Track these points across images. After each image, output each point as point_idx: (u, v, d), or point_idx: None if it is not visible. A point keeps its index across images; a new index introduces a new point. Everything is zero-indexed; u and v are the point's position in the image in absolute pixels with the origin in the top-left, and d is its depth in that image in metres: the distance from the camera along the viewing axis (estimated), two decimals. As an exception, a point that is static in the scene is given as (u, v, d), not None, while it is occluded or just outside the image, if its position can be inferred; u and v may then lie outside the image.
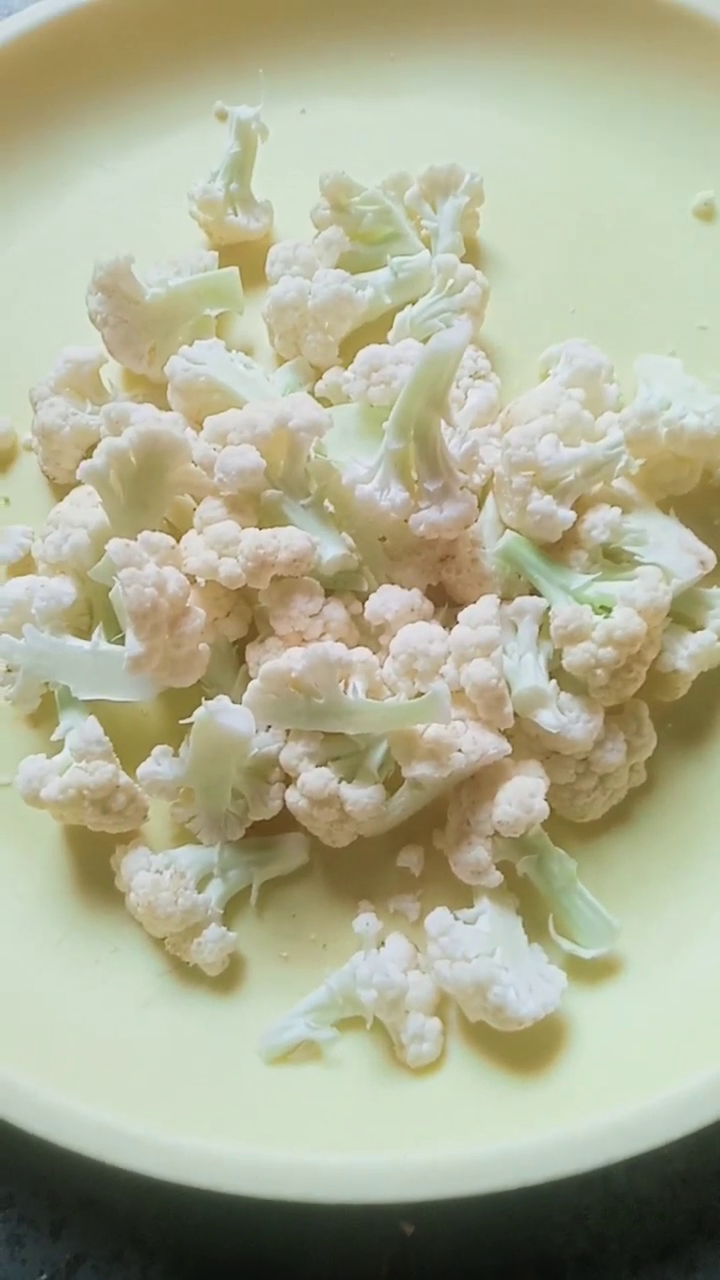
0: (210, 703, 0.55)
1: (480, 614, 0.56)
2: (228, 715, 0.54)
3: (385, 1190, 0.52)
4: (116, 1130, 0.53)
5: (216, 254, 0.69)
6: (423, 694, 0.55)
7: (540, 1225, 0.58)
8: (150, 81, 0.74)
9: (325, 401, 0.65)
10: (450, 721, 0.55)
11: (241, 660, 0.61)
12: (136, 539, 0.56)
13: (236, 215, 0.70)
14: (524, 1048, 0.55)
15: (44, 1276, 0.58)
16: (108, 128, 0.74)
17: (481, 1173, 0.51)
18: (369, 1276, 0.57)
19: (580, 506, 0.60)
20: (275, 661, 0.55)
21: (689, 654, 0.60)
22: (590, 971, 0.58)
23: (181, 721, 0.57)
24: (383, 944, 0.58)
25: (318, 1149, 0.53)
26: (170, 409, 0.64)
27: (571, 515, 0.58)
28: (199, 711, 0.54)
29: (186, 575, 0.57)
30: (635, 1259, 0.57)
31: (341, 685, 0.55)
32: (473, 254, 0.71)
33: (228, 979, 0.59)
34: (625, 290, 0.70)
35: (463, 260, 0.67)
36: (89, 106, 0.74)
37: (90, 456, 0.64)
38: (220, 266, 0.68)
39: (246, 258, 0.69)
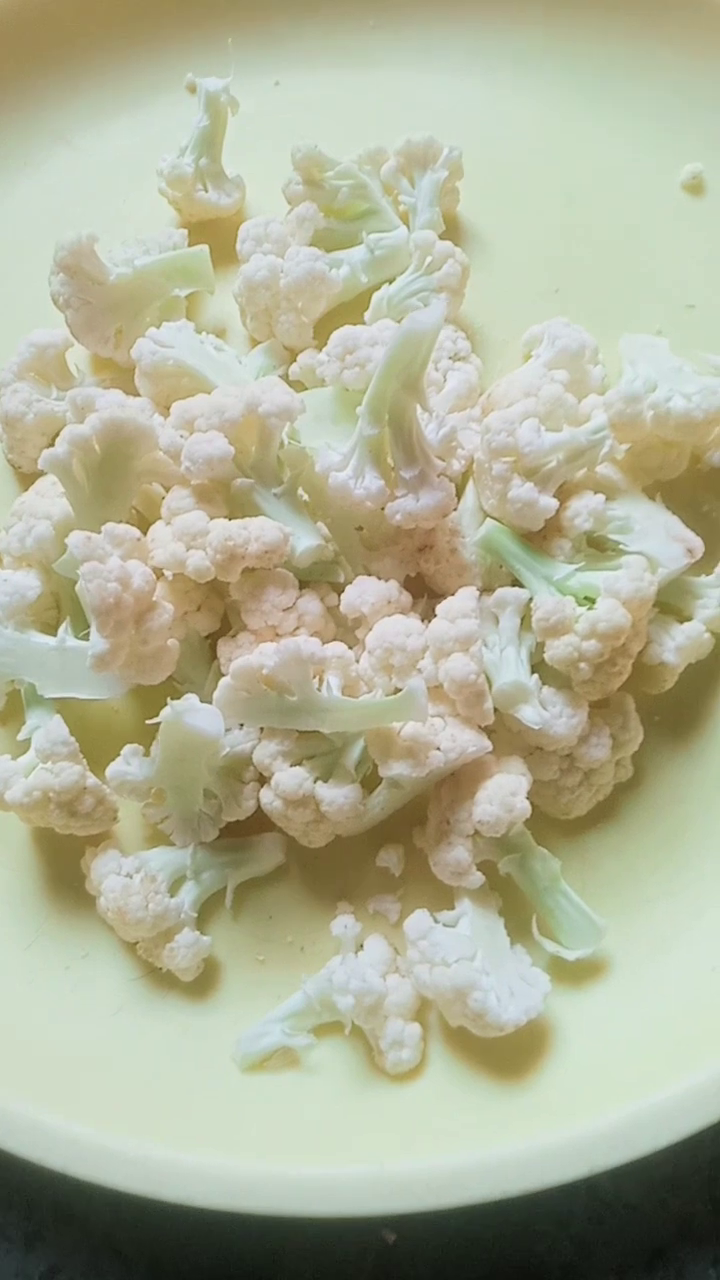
0: (177, 702, 0.53)
1: (459, 607, 0.54)
2: (195, 715, 0.52)
3: (364, 1203, 0.50)
4: (86, 1143, 0.51)
5: (186, 232, 0.67)
6: (400, 690, 0.54)
7: (524, 1232, 0.57)
8: (118, 53, 0.72)
9: (299, 385, 0.63)
10: (428, 719, 0.53)
11: (214, 655, 0.59)
12: (101, 531, 0.54)
13: (207, 191, 0.67)
14: (507, 1053, 0.54)
15: (17, 1289, 0.57)
16: (73, 102, 0.71)
17: (464, 1184, 0.50)
18: (350, 1285, 0.56)
19: (563, 493, 0.58)
20: (246, 658, 0.53)
21: (676, 646, 0.58)
22: (575, 973, 0.56)
23: (149, 722, 0.55)
24: (361, 947, 0.56)
25: (295, 1160, 0.52)
26: (138, 394, 0.62)
27: (554, 503, 0.56)
28: (165, 712, 0.53)
29: (154, 568, 0.55)
30: (621, 1265, 0.56)
31: (316, 681, 0.53)
32: (452, 230, 0.68)
33: (202, 984, 0.57)
34: (610, 268, 0.68)
35: (441, 237, 0.64)
36: (53, 80, 0.71)
37: (55, 445, 0.63)
38: (190, 245, 0.66)
39: (218, 235, 0.67)
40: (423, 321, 0.50)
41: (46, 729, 0.56)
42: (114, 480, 0.56)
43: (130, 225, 0.68)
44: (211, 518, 0.56)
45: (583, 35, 0.70)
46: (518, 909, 0.56)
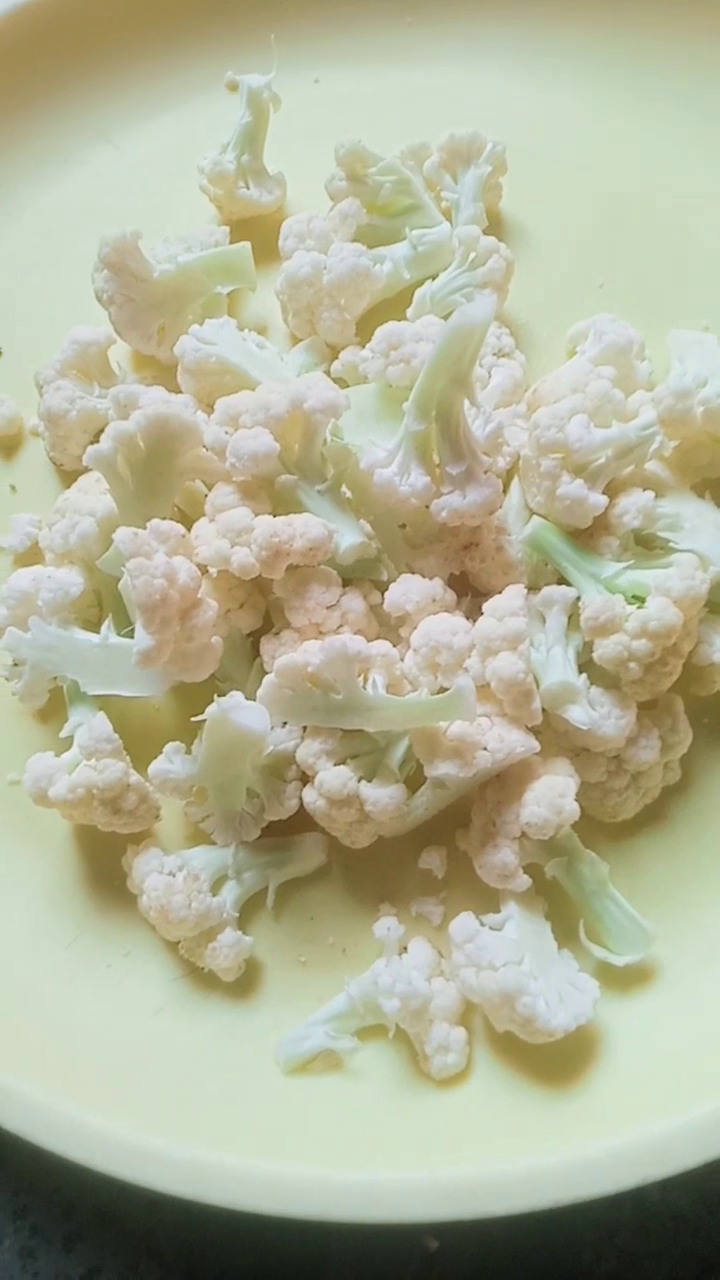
0: (223, 699, 0.52)
1: (506, 605, 0.53)
2: (241, 712, 0.52)
3: (408, 1210, 0.49)
4: (128, 1144, 0.51)
5: (228, 229, 0.67)
6: (446, 689, 0.53)
7: (569, 1242, 0.56)
8: (158, 52, 0.72)
9: (342, 382, 0.62)
10: (475, 718, 0.52)
11: (256, 653, 0.58)
12: (145, 527, 0.54)
13: (248, 188, 0.67)
14: (554, 1059, 0.53)
15: (56, 1290, 0.57)
16: (115, 101, 0.72)
17: (510, 1192, 0.49)
18: (392, 1292, 0.55)
19: (611, 490, 0.57)
20: (291, 655, 0.53)
21: (727, 646, 0.57)
22: (623, 979, 0.55)
23: (194, 719, 0.54)
24: (405, 949, 0.55)
25: (338, 1165, 0.51)
26: (180, 391, 0.61)
27: (603, 500, 0.55)
28: (211, 709, 0.52)
29: (198, 565, 0.54)
30: (669, 1278, 0.55)
31: (360, 680, 0.53)
32: (495, 226, 0.68)
33: (243, 985, 0.57)
34: (656, 263, 0.67)
35: (485, 233, 0.64)
36: (95, 79, 0.71)
37: (98, 441, 0.63)
38: (232, 242, 0.66)
39: (259, 233, 0.67)
40: (472, 315, 0.50)
41: (90, 726, 0.55)
42: (158, 477, 0.56)
43: (172, 222, 0.68)
44: (256, 514, 0.55)
45: (626, 29, 0.70)
46: (564, 913, 0.55)
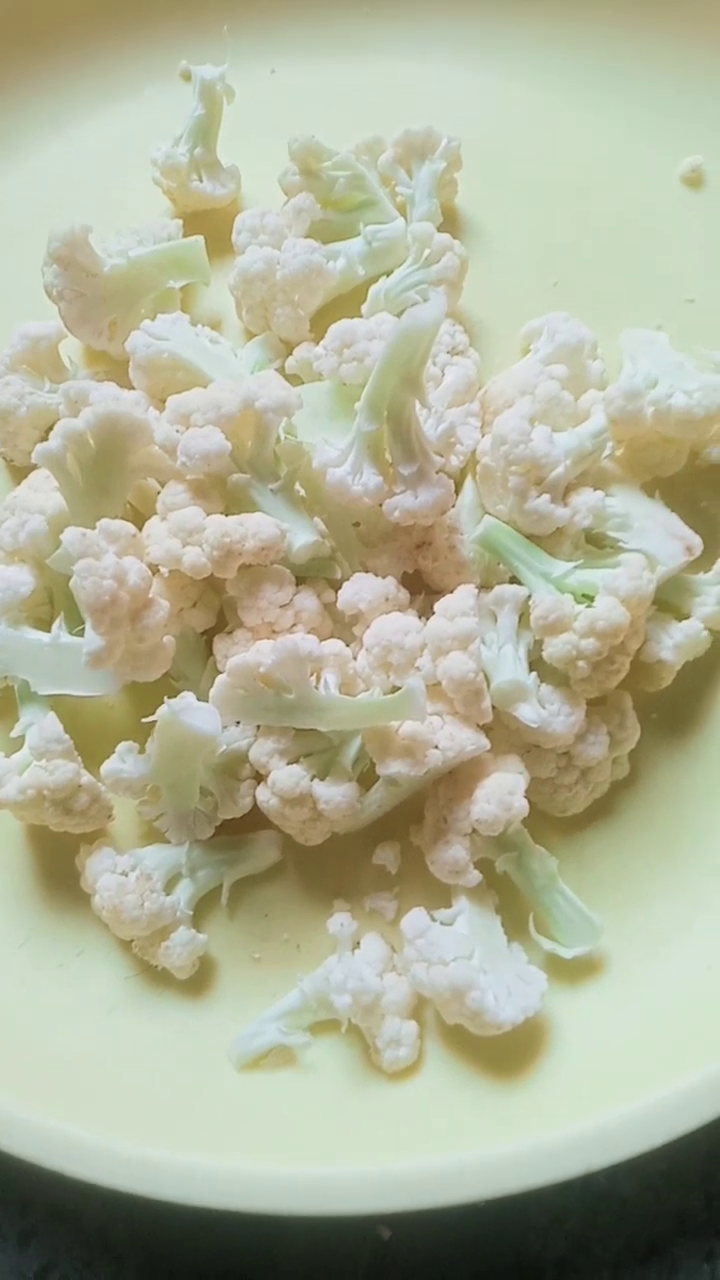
0: (173, 700, 0.52)
1: (457, 605, 0.54)
2: (192, 714, 0.52)
3: (361, 1202, 0.50)
4: (82, 1143, 0.51)
5: (180, 222, 0.66)
6: (398, 688, 0.53)
7: (520, 1228, 0.57)
8: (111, 40, 0.70)
9: (295, 379, 0.62)
10: (426, 718, 0.53)
11: (210, 652, 0.58)
12: (95, 526, 0.53)
13: (201, 181, 0.66)
14: (503, 1050, 0.54)
15: (12, 1287, 0.57)
16: (65, 89, 0.70)
17: (461, 1182, 0.50)
18: (346, 1281, 0.56)
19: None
20: (243, 655, 0.53)
21: (674, 644, 0.58)
22: (571, 971, 0.56)
23: (145, 720, 0.54)
24: (358, 945, 0.56)
25: (291, 1158, 0.52)
26: (132, 387, 0.61)
27: (568, 513, 0.55)
28: (161, 710, 0.52)
29: (149, 564, 0.54)
30: (617, 1261, 0.56)
31: (313, 679, 0.53)
32: (450, 222, 0.68)
33: (198, 982, 0.57)
34: (610, 261, 0.68)
35: (440, 229, 0.64)
36: (45, 66, 0.70)
37: (48, 438, 0.62)
38: (185, 236, 0.65)
39: (213, 226, 0.66)
40: (423, 317, 0.50)
41: (40, 726, 0.55)
42: (108, 475, 0.56)
43: (124, 214, 0.67)
44: (208, 513, 0.55)
45: (582, 26, 0.70)
46: (514, 907, 0.56)
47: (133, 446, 0.55)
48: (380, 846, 0.59)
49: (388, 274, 0.64)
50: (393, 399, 0.53)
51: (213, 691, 0.53)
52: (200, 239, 0.64)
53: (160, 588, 0.56)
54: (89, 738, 0.57)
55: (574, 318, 0.62)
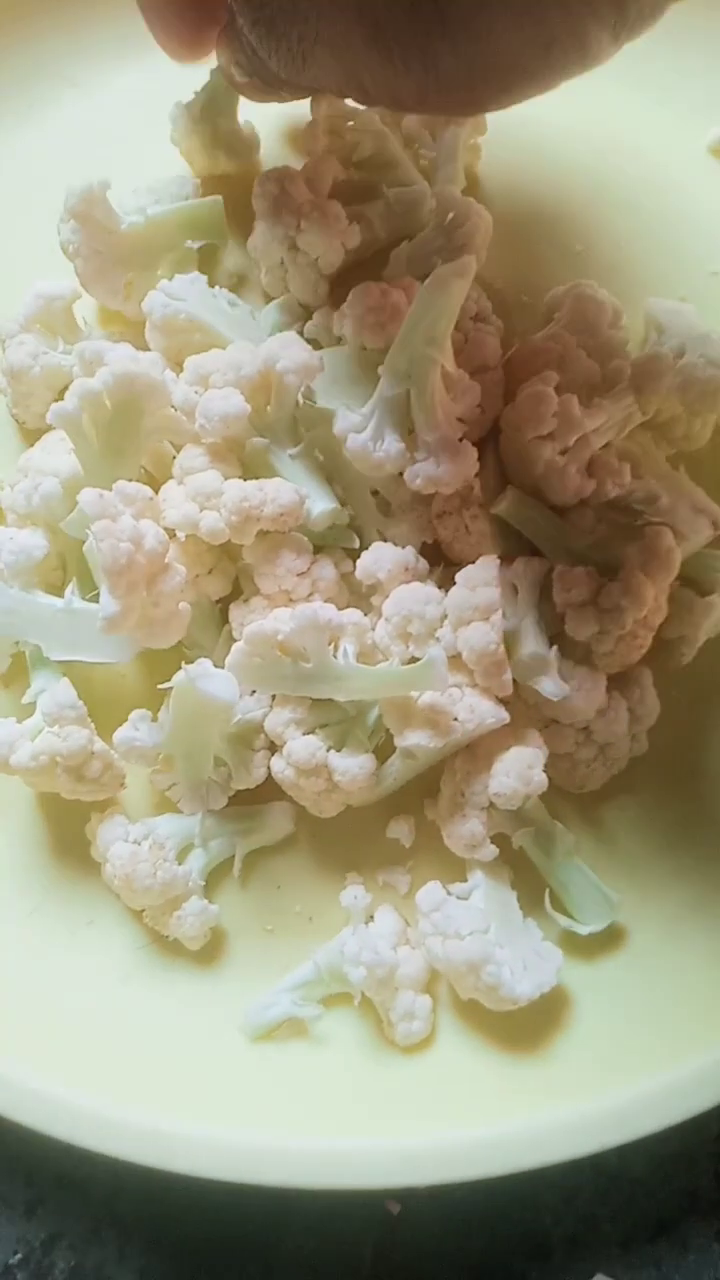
0: (190, 667, 0.51)
1: (479, 575, 0.53)
2: (209, 681, 0.51)
3: (371, 1176, 0.50)
4: (91, 1113, 0.51)
5: (198, 181, 0.65)
6: (417, 659, 0.52)
7: (529, 1205, 0.56)
8: (128, -7, 0.69)
9: (314, 342, 0.60)
10: (447, 688, 0.52)
11: (224, 620, 0.58)
12: (111, 489, 0.52)
13: (220, 142, 0.65)
14: (517, 1026, 0.53)
15: (18, 1255, 0.56)
16: (81, 45, 0.69)
17: (474, 1158, 0.49)
18: (352, 1255, 0.56)
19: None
20: (261, 623, 0.52)
21: (696, 620, 0.57)
22: (587, 948, 0.55)
23: (161, 687, 0.53)
24: (371, 918, 0.55)
25: (303, 1131, 0.51)
26: (148, 348, 0.60)
27: (591, 484, 0.54)
28: (178, 676, 0.51)
29: (165, 529, 0.53)
30: (626, 1239, 0.56)
31: (331, 648, 0.52)
32: (473, 188, 0.66)
33: (209, 953, 0.56)
34: (634, 231, 0.66)
35: (463, 194, 0.62)
36: (59, 20, 0.69)
37: (62, 398, 0.61)
38: (204, 193, 0.64)
39: (233, 185, 0.65)
40: (451, 274, 0.48)
41: (53, 692, 0.54)
42: (125, 437, 0.55)
43: (140, 171, 0.65)
44: (225, 478, 0.54)
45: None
46: (530, 882, 0.56)
47: (149, 408, 0.54)
48: (395, 820, 0.58)
49: (410, 237, 0.62)
50: (418, 362, 0.52)
51: (229, 659, 0.52)
52: (219, 199, 0.63)
53: (176, 554, 0.54)
54: (100, 705, 0.56)
55: (598, 286, 0.61)
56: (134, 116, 0.68)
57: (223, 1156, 0.50)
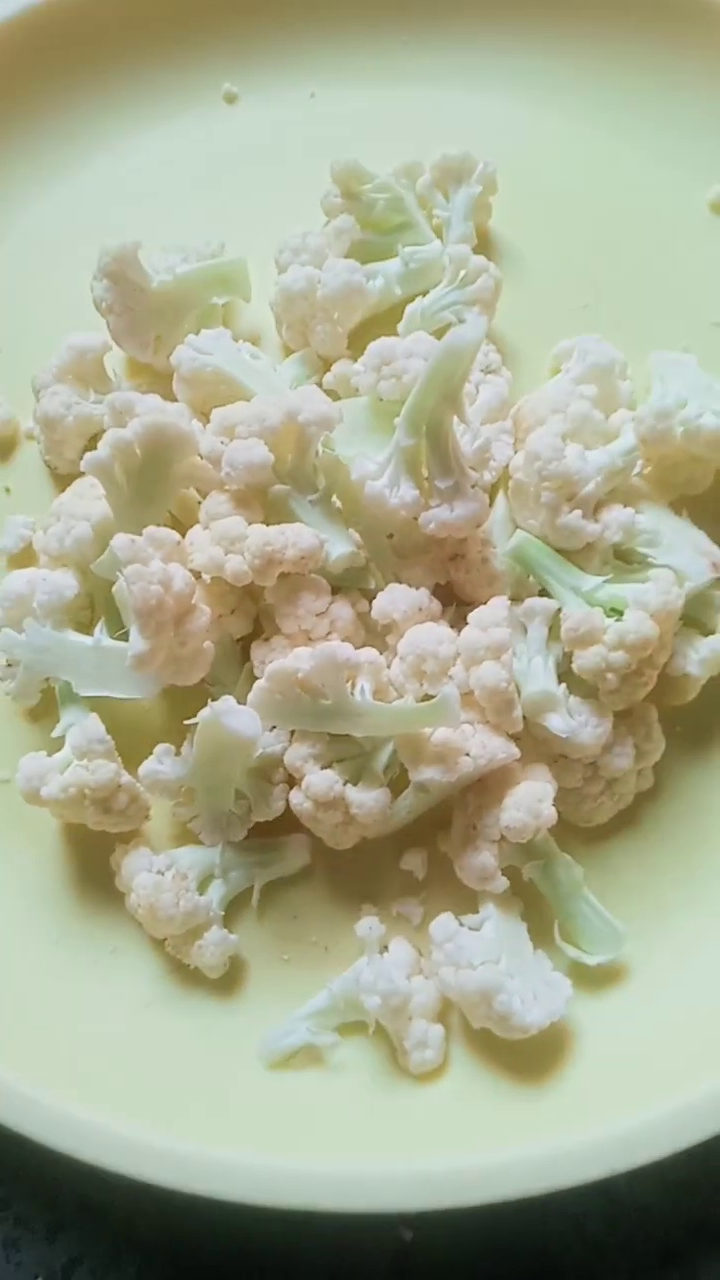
0: (215, 704, 0.54)
1: (491, 616, 0.55)
2: (233, 717, 0.53)
3: (386, 1199, 0.51)
4: (114, 1134, 0.52)
5: (224, 241, 0.68)
6: (430, 696, 0.55)
7: (539, 1231, 0.57)
8: (157, 62, 0.72)
9: (333, 394, 0.63)
10: (460, 725, 0.54)
11: (245, 658, 0.60)
12: (141, 533, 0.55)
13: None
14: (527, 1055, 0.55)
15: (39, 1279, 0.58)
16: (114, 109, 0.72)
17: (484, 1183, 0.51)
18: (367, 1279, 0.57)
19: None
20: (282, 661, 0.54)
21: (700, 658, 0.59)
22: (595, 978, 0.57)
23: (186, 722, 0.55)
24: (385, 948, 0.57)
25: (318, 1156, 0.53)
26: (175, 399, 0.63)
27: (598, 528, 0.57)
28: (204, 712, 0.53)
29: (191, 571, 0.56)
30: (635, 1267, 0.57)
31: (349, 686, 0.54)
32: (484, 244, 0.69)
33: (228, 982, 0.58)
34: (638, 285, 0.69)
35: (474, 251, 0.65)
36: (95, 87, 0.72)
37: (93, 446, 0.63)
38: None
39: (251, 245, 0.67)
40: (465, 336, 0.51)
41: (83, 727, 0.57)
42: (154, 484, 0.57)
43: (168, 232, 0.69)
44: (249, 523, 0.57)
45: (616, 57, 0.71)
46: (539, 914, 0.57)
47: (178, 457, 0.57)
48: (408, 852, 0.60)
49: (424, 294, 0.65)
50: (432, 415, 0.54)
51: (251, 696, 0.55)
52: (244, 259, 0.66)
53: (201, 594, 0.57)
54: (125, 740, 0.58)
55: (604, 339, 0.64)
56: (162, 177, 0.71)
57: (240, 1179, 0.52)
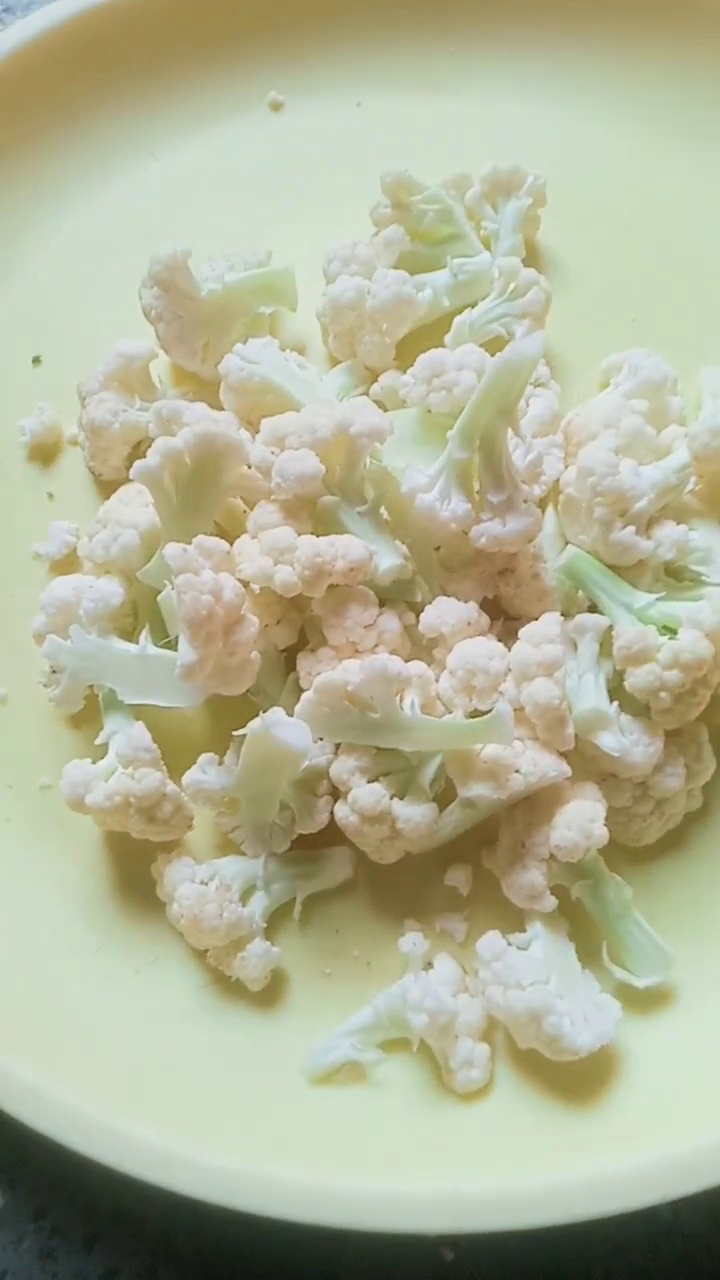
0: (266, 715, 0.53)
1: (543, 632, 0.55)
2: (284, 729, 0.53)
3: (428, 1220, 0.50)
4: (153, 1147, 0.52)
5: (270, 250, 0.67)
6: (480, 711, 0.54)
7: (581, 1256, 0.57)
8: (203, 69, 0.73)
9: (380, 405, 0.63)
10: (512, 741, 0.53)
11: (290, 668, 0.60)
12: (190, 542, 0.55)
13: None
14: (574, 1077, 0.54)
15: (74, 1291, 0.57)
16: (159, 116, 0.72)
17: (529, 1206, 0.50)
18: (404, 1301, 0.56)
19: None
20: (331, 674, 0.54)
21: (752, 678, 0.58)
22: (642, 1001, 0.56)
23: (235, 733, 0.55)
24: (430, 965, 0.57)
25: (359, 1174, 0.52)
26: (221, 407, 0.62)
27: (651, 545, 0.57)
28: (254, 723, 0.53)
29: (239, 580, 0.55)
30: (679, 1294, 0.56)
31: (398, 699, 0.54)
32: (532, 257, 0.69)
33: (269, 995, 0.58)
34: (687, 299, 0.68)
35: (523, 263, 0.65)
36: (140, 93, 0.72)
37: (138, 453, 0.64)
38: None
39: (297, 254, 0.67)
40: (524, 351, 0.51)
41: (129, 735, 0.56)
42: (202, 493, 0.57)
43: (213, 239, 0.69)
44: (298, 534, 0.56)
45: (664, 69, 0.71)
46: (585, 934, 0.57)
47: (227, 466, 0.57)
48: (452, 868, 0.59)
49: (472, 306, 0.65)
50: (487, 429, 0.54)
51: (299, 708, 0.54)
52: (292, 268, 0.66)
53: (249, 605, 0.57)
54: (168, 748, 0.58)
55: (654, 353, 0.63)
56: (206, 184, 0.71)
57: (280, 1195, 0.51)
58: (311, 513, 0.58)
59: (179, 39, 0.72)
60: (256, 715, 0.54)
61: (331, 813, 0.57)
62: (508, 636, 0.58)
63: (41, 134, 0.71)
